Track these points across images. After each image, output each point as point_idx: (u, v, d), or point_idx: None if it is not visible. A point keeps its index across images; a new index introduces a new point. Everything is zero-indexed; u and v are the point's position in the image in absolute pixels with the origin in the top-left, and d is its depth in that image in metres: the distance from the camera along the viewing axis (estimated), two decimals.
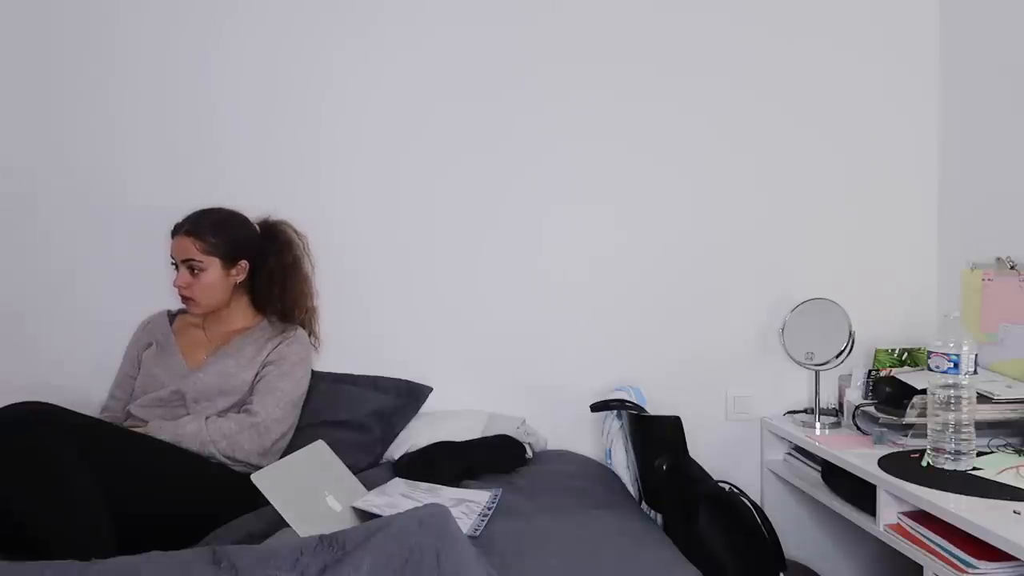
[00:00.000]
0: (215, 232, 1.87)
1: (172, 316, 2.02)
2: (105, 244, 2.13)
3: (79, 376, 2.05)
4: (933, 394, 1.65)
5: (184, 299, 1.88)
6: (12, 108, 2.11)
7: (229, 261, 1.89)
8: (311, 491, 1.50)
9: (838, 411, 2.17)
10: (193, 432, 1.73)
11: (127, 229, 2.12)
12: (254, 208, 2.01)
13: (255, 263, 1.95)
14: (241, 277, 1.93)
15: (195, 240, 1.85)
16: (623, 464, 1.97)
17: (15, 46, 2.10)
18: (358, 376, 2.10)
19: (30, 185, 2.11)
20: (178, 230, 1.88)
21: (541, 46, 2.19)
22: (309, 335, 2.03)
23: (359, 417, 1.98)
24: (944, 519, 1.46)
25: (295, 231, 2.03)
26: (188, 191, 2.08)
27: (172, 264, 1.89)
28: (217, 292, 1.89)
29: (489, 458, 1.92)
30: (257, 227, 1.99)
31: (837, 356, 2.05)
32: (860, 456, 1.79)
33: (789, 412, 2.24)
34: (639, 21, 2.20)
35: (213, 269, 1.86)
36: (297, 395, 1.90)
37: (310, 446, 1.65)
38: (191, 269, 1.85)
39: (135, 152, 2.13)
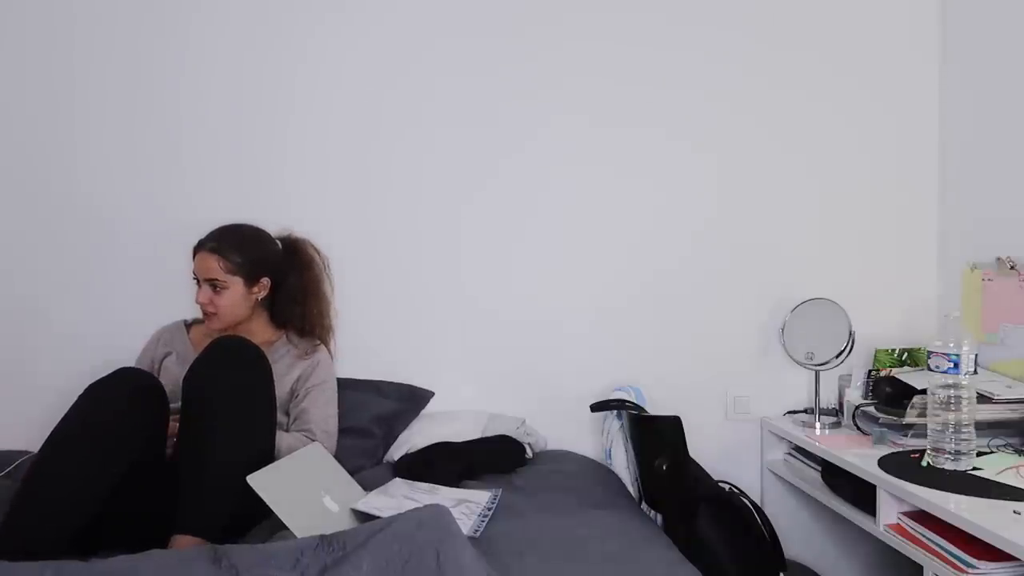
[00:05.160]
0: (240, 251, 1.83)
1: (188, 326, 2.00)
2: (93, 256, 2.11)
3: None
4: (933, 394, 1.65)
5: (206, 315, 1.86)
6: None
7: (252, 279, 1.87)
8: (308, 492, 1.49)
9: (838, 411, 2.17)
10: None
11: (123, 240, 2.12)
12: (232, 213, 1.96)
13: (276, 279, 1.94)
14: (263, 294, 1.91)
15: (220, 259, 1.81)
16: (623, 464, 1.96)
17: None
18: (360, 381, 2.10)
19: (19, 189, 2.11)
20: (201, 247, 1.84)
21: (538, 24, 2.18)
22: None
23: (362, 423, 1.99)
24: (944, 519, 1.46)
25: (316, 249, 2.03)
26: (166, 200, 2.10)
27: (194, 280, 1.86)
28: (239, 309, 1.87)
29: (489, 458, 1.92)
30: (279, 243, 1.98)
31: (837, 356, 2.05)
32: (860, 456, 1.79)
33: (789, 412, 2.24)
34: (641, 15, 2.21)
35: (235, 287, 1.84)
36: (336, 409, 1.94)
37: (306, 448, 1.65)
38: (213, 287, 1.82)
39: (132, 163, 2.13)
